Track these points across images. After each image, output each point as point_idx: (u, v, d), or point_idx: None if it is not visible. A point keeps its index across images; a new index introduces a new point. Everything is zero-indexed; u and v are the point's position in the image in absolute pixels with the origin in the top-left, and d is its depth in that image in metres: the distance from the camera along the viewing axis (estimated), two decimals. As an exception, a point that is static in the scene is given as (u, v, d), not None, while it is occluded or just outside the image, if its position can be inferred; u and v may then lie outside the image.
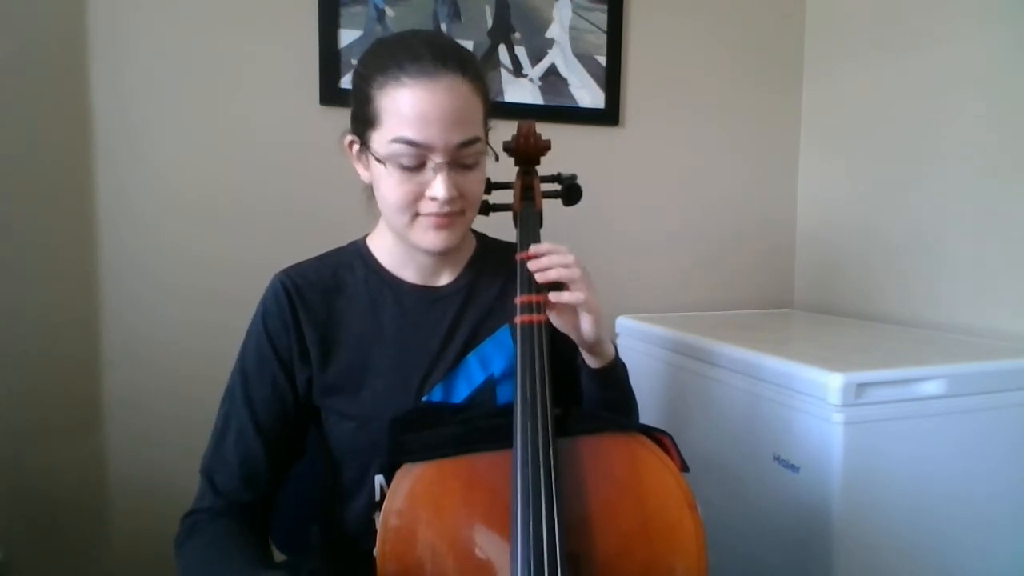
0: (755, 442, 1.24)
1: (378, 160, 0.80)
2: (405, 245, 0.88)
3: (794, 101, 1.94)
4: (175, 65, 1.45)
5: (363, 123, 0.82)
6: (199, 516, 0.84)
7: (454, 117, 0.78)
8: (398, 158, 0.79)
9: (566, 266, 0.80)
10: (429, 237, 0.83)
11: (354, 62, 1.48)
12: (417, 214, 0.82)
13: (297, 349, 0.87)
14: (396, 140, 0.78)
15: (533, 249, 0.83)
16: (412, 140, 0.77)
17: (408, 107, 0.77)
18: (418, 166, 0.79)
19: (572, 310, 0.82)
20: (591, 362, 0.87)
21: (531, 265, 0.81)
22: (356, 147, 0.86)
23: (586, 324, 0.82)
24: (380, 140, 0.80)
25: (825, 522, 1.10)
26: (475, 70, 0.82)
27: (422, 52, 0.78)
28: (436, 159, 0.79)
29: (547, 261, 0.81)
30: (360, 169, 0.88)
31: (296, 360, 0.87)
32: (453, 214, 0.82)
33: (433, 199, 0.80)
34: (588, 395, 0.89)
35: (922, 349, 1.33)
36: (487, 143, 0.85)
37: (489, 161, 0.87)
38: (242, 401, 0.86)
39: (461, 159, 0.81)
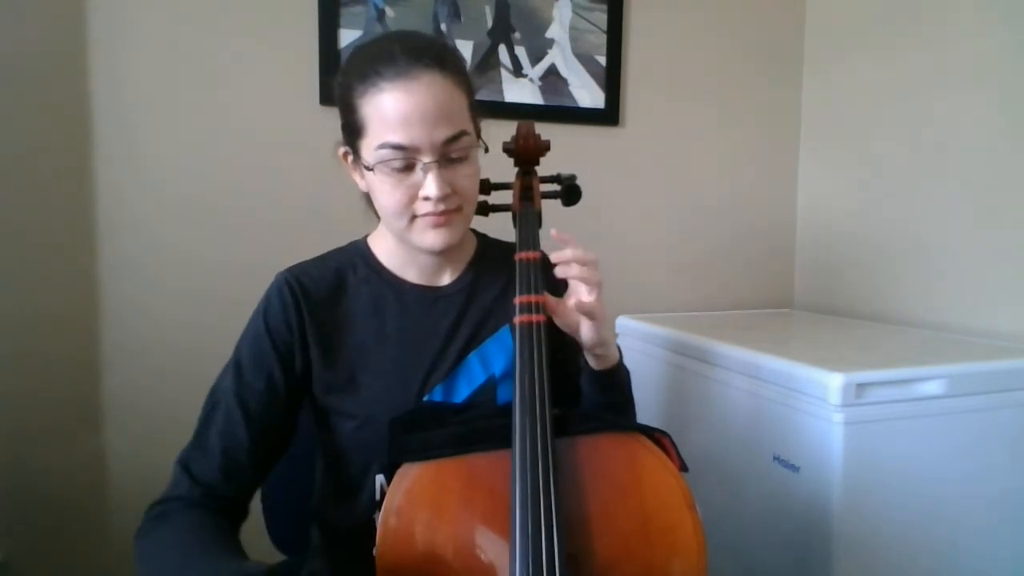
0: (755, 442, 1.24)
1: (367, 168, 0.80)
2: (407, 246, 0.88)
3: (794, 102, 1.94)
4: (174, 65, 1.45)
5: (351, 133, 0.82)
6: (171, 504, 0.80)
7: (436, 114, 0.78)
8: (386, 163, 0.79)
9: (585, 264, 0.81)
10: (429, 237, 0.83)
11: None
12: (414, 216, 0.82)
13: (299, 347, 0.87)
14: (382, 146, 0.78)
15: (553, 235, 0.83)
16: (397, 143, 0.77)
17: (389, 111, 0.77)
18: (407, 168, 0.79)
19: (575, 312, 0.82)
20: (593, 363, 0.87)
21: (554, 256, 0.81)
22: (350, 157, 0.86)
23: (587, 328, 0.83)
24: (367, 148, 0.80)
25: (825, 522, 1.10)
26: (454, 64, 0.81)
27: (395, 53, 0.77)
28: (424, 159, 0.79)
29: (570, 254, 0.81)
30: (356, 178, 0.88)
31: (297, 358, 0.87)
32: (450, 211, 0.82)
33: (426, 199, 0.80)
34: (587, 396, 0.89)
35: (922, 349, 1.33)
36: (478, 136, 0.85)
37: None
38: (233, 392, 0.85)
39: (449, 155, 0.80)
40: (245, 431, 0.84)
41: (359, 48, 0.85)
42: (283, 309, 0.87)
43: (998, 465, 1.19)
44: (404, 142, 0.77)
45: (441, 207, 0.81)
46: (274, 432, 0.87)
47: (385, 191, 0.80)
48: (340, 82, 0.84)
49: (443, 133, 0.79)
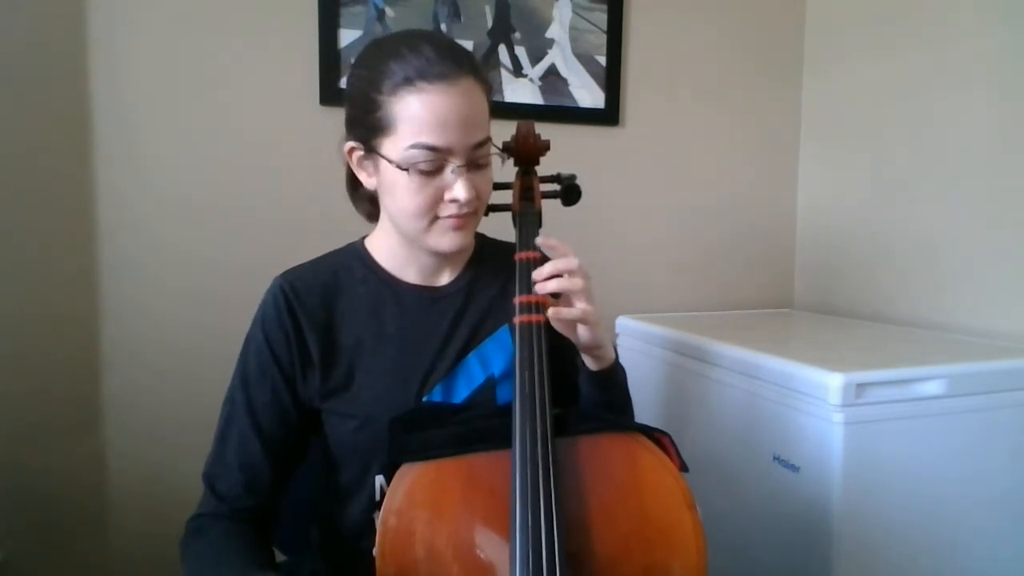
0: (755, 442, 1.24)
1: (397, 167, 0.79)
2: (410, 247, 0.88)
3: (794, 101, 1.94)
4: (174, 65, 1.45)
5: (370, 129, 0.81)
6: (203, 520, 0.84)
7: (471, 119, 0.79)
8: (417, 164, 0.78)
9: (570, 272, 0.80)
10: (447, 239, 0.83)
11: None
12: (436, 217, 0.82)
13: (298, 355, 0.87)
14: (415, 146, 0.77)
15: (539, 242, 0.84)
16: (432, 145, 0.77)
17: (427, 112, 0.77)
18: (436, 170, 0.79)
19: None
20: (590, 364, 0.87)
21: (534, 274, 0.81)
22: (358, 154, 0.85)
23: (583, 332, 0.83)
24: (395, 146, 0.79)
25: (825, 522, 1.10)
26: (483, 71, 0.83)
27: (433, 55, 0.77)
28: (456, 162, 0.79)
29: (549, 269, 0.80)
30: (363, 176, 0.87)
31: (297, 366, 0.87)
32: (469, 214, 0.83)
33: (454, 201, 0.80)
34: (585, 396, 0.89)
35: (922, 349, 1.33)
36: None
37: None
38: (243, 407, 0.86)
39: (476, 160, 0.81)
40: (259, 446, 0.85)
41: (380, 44, 0.83)
42: (279, 318, 0.87)
43: (998, 465, 1.19)
44: (440, 144, 0.77)
45: (465, 210, 0.81)
46: (288, 441, 0.88)
47: (412, 191, 0.80)
48: (359, 76, 0.82)
49: (475, 138, 0.80)
